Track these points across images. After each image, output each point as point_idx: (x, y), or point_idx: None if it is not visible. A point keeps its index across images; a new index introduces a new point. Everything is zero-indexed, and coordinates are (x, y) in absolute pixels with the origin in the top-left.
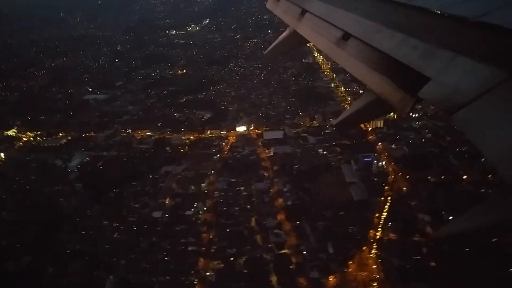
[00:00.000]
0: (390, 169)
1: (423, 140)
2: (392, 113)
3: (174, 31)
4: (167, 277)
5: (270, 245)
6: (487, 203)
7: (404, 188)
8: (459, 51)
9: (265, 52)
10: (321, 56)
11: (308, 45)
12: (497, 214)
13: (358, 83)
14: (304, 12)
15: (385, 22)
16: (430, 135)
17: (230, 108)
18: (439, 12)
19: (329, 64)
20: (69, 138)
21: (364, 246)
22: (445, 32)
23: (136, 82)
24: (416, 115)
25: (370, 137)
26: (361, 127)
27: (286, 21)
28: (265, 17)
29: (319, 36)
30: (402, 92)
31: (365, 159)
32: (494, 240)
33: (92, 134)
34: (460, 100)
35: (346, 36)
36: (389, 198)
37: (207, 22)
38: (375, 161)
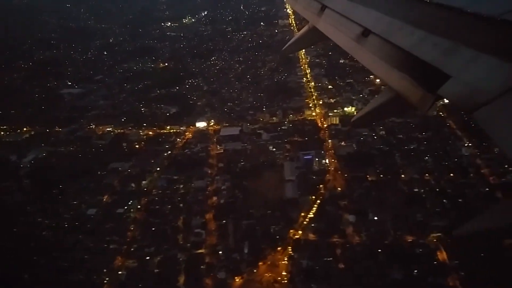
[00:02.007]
0: (331, 167)
1: (375, 137)
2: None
3: (169, 23)
4: (80, 276)
5: (188, 244)
6: (506, 203)
7: (339, 188)
8: (481, 49)
9: (284, 48)
10: (303, 50)
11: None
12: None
13: (332, 79)
14: (324, 8)
15: (405, 19)
16: (383, 132)
17: (198, 103)
18: (460, 9)
19: (308, 58)
20: (33, 133)
21: (279, 247)
22: (467, 29)
23: (115, 76)
24: None
25: (323, 134)
26: (316, 123)
27: (305, 17)
28: (262, 8)
29: (339, 33)
30: (422, 89)
31: (305, 157)
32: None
33: (57, 129)
34: (481, 98)
35: (366, 32)
36: (320, 197)
37: (204, 14)
38: (316, 159)
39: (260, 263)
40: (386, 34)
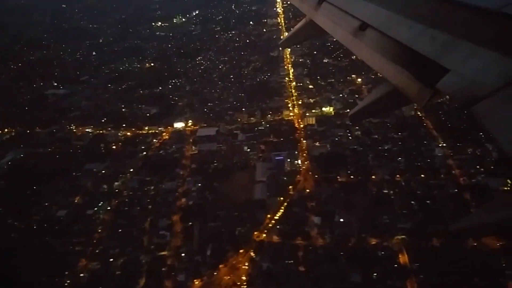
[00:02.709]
0: (303, 168)
1: (350, 137)
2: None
3: (160, 23)
4: (43, 278)
5: (152, 246)
6: (502, 198)
7: (308, 190)
8: (480, 43)
9: (280, 42)
10: (288, 49)
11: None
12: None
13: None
14: (321, 1)
15: (403, 12)
16: (359, 132)
17: (179, 103)
18: (459, 3)
19: (293, 58)
20: (13, 133)
21: (242, 249)
22: (466, 23)
23: (101, 77)
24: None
25: (298, 134)
26: (293, 124)
27: (302, 10)
28: (253, 8)
29: (336, 26)
30: (420, 83)
31: (276, 158)
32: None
33: (38, 130)
34: (479, 93)
35: (364, 26)
36: (289, 198)
37: (195, 14)
38: (288, 160)
39: (221, 266)
40: (384, 27)
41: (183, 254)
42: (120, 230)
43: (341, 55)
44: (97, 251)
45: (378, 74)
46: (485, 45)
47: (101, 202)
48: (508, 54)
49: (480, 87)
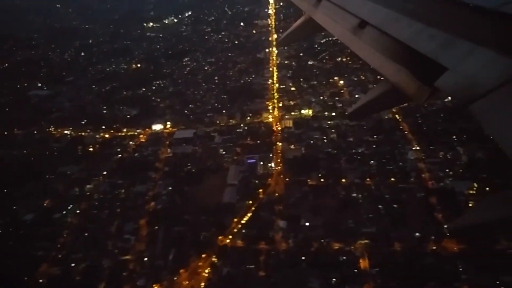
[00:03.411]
0: (276, 171)
1: (325, 140)
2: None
3: (151, 23)
4: (1, 286)
5: (116, 250)
6: (499, 196)
7: (277, 193)
8: (478, 41)
9: (280, 39)
10: (275, 51)
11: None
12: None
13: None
14: None
15: (402, 10)
16: (335, 135)
17: (161, 105)
18: (458, 1)
19: (279, 59)
20: None
21: (204, 254)
22: (464, 21)
23: (86, 78)
24: (333, 113)
25: (275, 137)
26: (271, 126)
27: (302, 7)
28: (245, 9)
29: (335, 24)
30: (418, 82)
31: (248, 161)
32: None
33: (16, 131)
34: (477, 91)
35: (363, 24)
36: (257, 202)
37: (188, 14)
38: (261, 163)
39: (182, 271)
40: (383, 25)
41: (145, 259)
42: (86, 234)
43: (326, 57)
44: (60, 256)
45: (375, 73)
46: (483, 43)
47: (71, 206)
48: (506, 53)
49: (478, 85)
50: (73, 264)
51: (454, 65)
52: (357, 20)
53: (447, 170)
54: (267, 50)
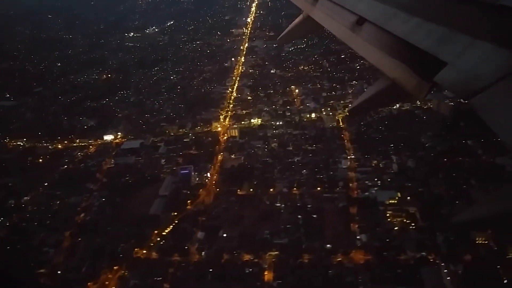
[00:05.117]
0: (211, 181)
1: (266, 149)
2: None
3: (132, 33)
4: None
5: (32, 264)
6: (501, 191)
7: (205, 204)
8: (477, 35)
9: (278, 38)
10: (243, 60)
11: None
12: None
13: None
14: None
15: (400, 6)
16: (276, 144)
17: (119, 115)
18: None
19: (243, 68)
20: None
21: (117, 266)
22: (462, 16)
23: (55, 88)
24: (280, 122)
25: (219, 147)
26: (218, 136)
27: (300, 6)
28: (226, 17)
29: (333, 21)
30: (418, 77)
31: (182, 172)
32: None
33: None
34: (477, 85)
35: (361, 21)
36: (183, 213)
37: (170, 24)
38: (195, 173)
39: (90, 284)
40: (381, 22)
41: (59, 272)
42: (8, 248)
43: (290, 66)
44: None
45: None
46: (482, 37)
47: (1, 218)
48: (505, 46)
49: (478, 79)
50: None
51: (453, 59)
52: (355, 17)
53: (375, 179)
54: (233, 59)
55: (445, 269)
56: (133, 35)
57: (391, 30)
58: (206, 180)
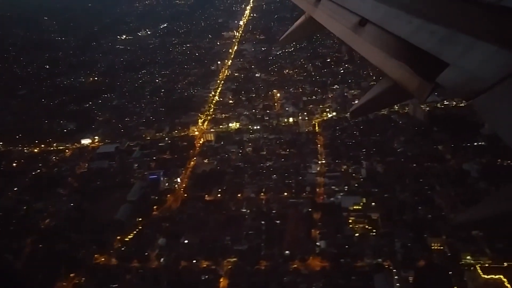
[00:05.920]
0: (180, 186)
1: (240, 154)
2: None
3: (124, 36)
4: None
5: None
6: (502, 192)
7: (171, 210)
8: (479, 36)
9: (281, 38)
10: (229, 63)
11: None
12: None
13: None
14: None
15: (402, 7)
16: (251, 149)
17: (99, 119)
18: None
19: (229, 72)
20: None
21: (74, 273)
22: (464, 16)
23: (41, 91)
24: (257, 126)
25: (193, 151)
26: (194, 140)
27: (302, 7)
28: (219, 20)
29: (336, 22)
30: (420, 78)
31: (150, 177)
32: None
33: None
34: (479, 86)
35: (363, 22)
36: (148, 219)
37: (163, 27)
38: (164, 178)
39: None
40: (383, 23)
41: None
42: None
43: (276, 70)
44: None
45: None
46: (484, 38)
47: None
48: (507, 47)
49: (480, 80)
50: None
51: (455, 60)
52: (357, 18)
53: (343, 185)
54: (219, 62)
55: (397, 276)
56: (125, 37)
57: (393, 31)
58: (176, 186)
